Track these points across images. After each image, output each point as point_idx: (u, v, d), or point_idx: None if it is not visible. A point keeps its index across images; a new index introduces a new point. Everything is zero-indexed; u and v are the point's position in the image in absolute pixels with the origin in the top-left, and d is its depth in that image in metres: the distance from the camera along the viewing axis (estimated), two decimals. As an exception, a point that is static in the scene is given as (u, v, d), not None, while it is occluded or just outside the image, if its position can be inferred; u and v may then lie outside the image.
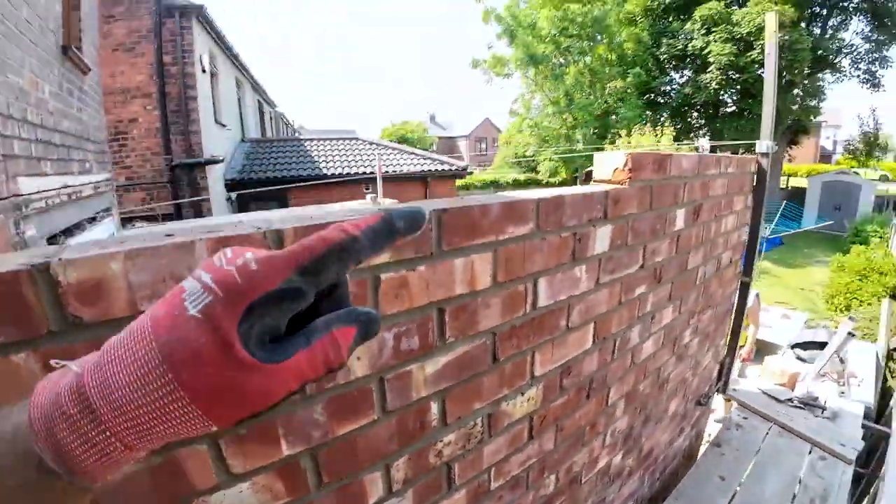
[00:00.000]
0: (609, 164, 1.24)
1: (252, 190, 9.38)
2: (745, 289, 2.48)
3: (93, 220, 4.03)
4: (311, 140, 11.89)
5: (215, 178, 8.90)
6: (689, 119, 20.23)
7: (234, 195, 9.71)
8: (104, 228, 4.32)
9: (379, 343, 0.77)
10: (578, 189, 1.08)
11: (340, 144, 11.58)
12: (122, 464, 0.26)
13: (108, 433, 0.25)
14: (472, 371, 0.93)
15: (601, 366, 1.35)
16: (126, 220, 6.71)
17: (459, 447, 0.99)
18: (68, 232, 3.36)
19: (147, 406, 0.24)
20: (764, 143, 2.38)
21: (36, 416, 0.25)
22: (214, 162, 8.46)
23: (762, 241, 12.46)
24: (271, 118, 19.01)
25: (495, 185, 23.09)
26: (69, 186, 3.36)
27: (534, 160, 20.69)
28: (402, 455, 0.88)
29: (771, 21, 2.74)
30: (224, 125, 9.90)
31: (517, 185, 22.44)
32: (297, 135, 25.53)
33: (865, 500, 3.29)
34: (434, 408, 0.90)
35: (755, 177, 2.31)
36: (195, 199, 8.02)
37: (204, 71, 8.51)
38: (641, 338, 1.52)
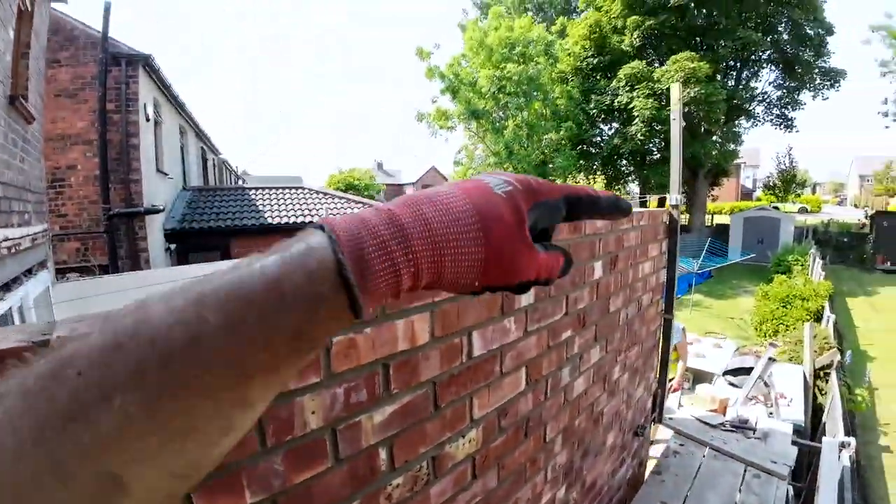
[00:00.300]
0: (531, 226, 1.44)
1: (192, 240, 9.17)
2: (668, 325, 2.76)
3: (28, 272, 3.85)
4: (256, 189, 11.82)
5: (155, 228, 8.64)
6: (619, 167, 22.01)
7: (173, 246, 9.41)
8: (40, 282, 4.12)
9: (331, 398, 0.88)
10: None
11: (286, 193, 11.60)
12: (396, 290, 0.30)
13: (410, 255, 0.30)
14: (415, 418, 1.05)
15: (536, 405, 1.50)
16: (60, 272, 6.35)
17: (407, 489, 1.09)
18: (6, 287, 3.20)
19: (451, 239, 0.31)
20: (673, 197, 2.73)
21: (344, 238, 0.28)
22: (155, 211, 8.25)
23: (693, 276, 13.46)
24: (214, 165, 18.77)
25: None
26: (9, 239, 3.24)
27: (479, 208, 21.59)
28: (354, 499, 0.97)
29: (675, 91, 3.19)
30: (166, 174, 9.72)
31: (464, 231, 23.43)
32: (240, 182, 25.19)
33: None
34: (382, 454, 1.01)
35: (668, 225, 2.64)
36: (134, 249, 7.72)
37: (148, 119, 8.44)
38: (572, 377, 1.70)
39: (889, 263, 20.01)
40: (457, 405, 1.16)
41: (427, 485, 1.15)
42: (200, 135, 14.46)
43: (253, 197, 11.24)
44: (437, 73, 19.23)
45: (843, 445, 3.93)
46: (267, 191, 11.59)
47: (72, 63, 7.54)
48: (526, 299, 1.34)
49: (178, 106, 10.82)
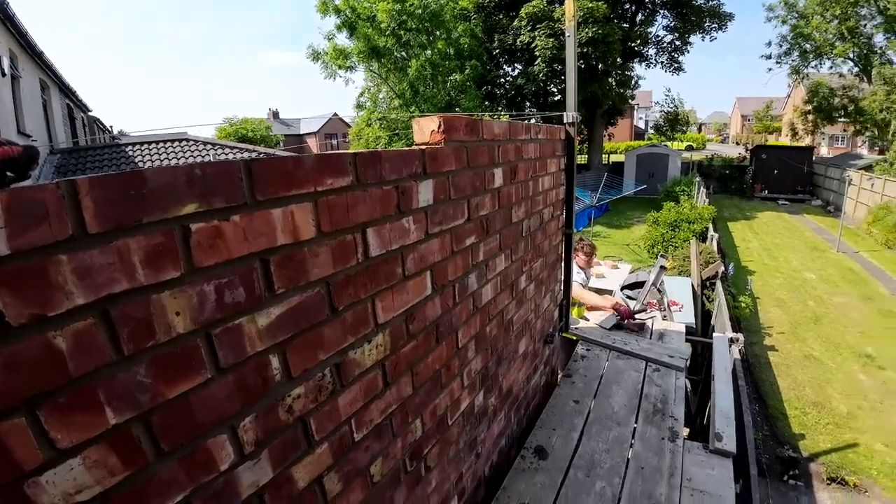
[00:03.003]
0: (427, 127, 1.37)
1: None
2: (568, 240, 2.90)
3: None
4: (135, 145, 10.47)
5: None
6: (523, 108, 22.51)
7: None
8: None
9: (198, 297, 0.77)
10: (395, 149, 1.18)
11: (170, 147, 10.40)
12: None
13: None
14: (309, 321, 0.98)
15: (445, 311, 1.49)
16: None
17: (311, 400, 1.03)
18: None
19: None
20: (570, 114, 2.79)
21: None
22: (17, 179, 7.04)
23: (592, 209, 14.45)
24: (84, 124, 16.28)
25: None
26: None
27: (385, 153, 21.09)
28: (247, 414, 0.89)
29: (570, 6, 3.18)
30: (28, 135, 8.32)
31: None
32: (116, 141, 22.21)
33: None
34: (275, 361, 0.93)
35: (565, 143, 2.71)
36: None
37: (3, 74, 7.09)
38: (480, 284, 1.72)
39: (766, 192, 23.14)
40: (357, 308, 1.10)
41: (333, 395, 1.10)
42: (65, 90, 12.33)
43: (132, 154, 9.92)
44: (332, 7, 17.77)
45: (732, 340, 4.51)
46: (148, 146, 10.27)
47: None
48: (425, 199, 1.29)
49: (37, 57, 9.11)
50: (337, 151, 0.99)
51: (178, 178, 0.72)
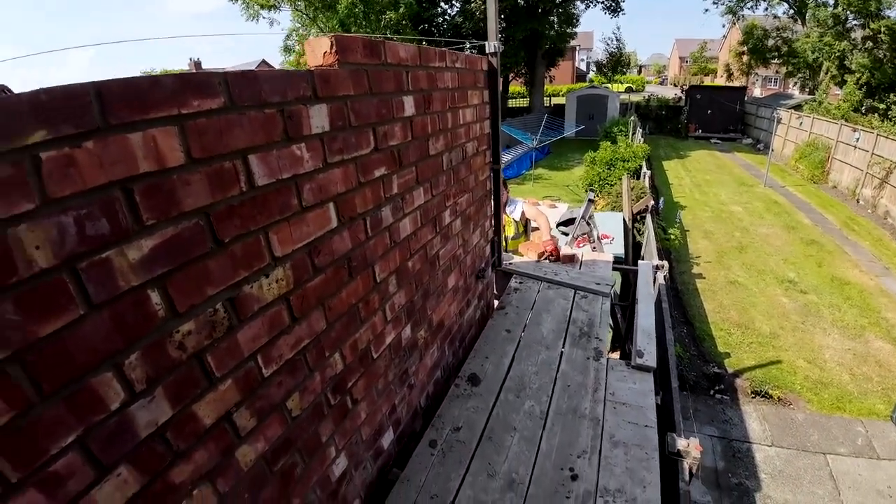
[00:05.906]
0: (319, 49, 1.28)
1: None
2: (496, 176, 2.92)
3: None
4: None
5: None
6: (462, 48, 21.72)
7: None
8: None
9: (58, 230, 0.71)
10: (276, 69, 1.10)
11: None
12: None
13: None
14: (190, 255, 0.93)
15: (356, 244, 1.47)
16: None
17: (205, 336, 1.00)
18: None
19: None
20: (491, 44, 2.70)
21: None
22: None
23: (534, 153, 14.59)
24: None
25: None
26: None
27: (319, 98, 19.89)
28: (132, 351, 0.86)
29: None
30: None
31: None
32: None
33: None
34: (155, 297, 0.88)
35: (487, 75, 2.65)
36: None
37: None
38: (396, 217, 1.70)
39: (700, 131, 24.00)
40: (247, 240, 1.05)
41: (231, 330, 1.07)
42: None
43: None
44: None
45: (657, 267, 4.80)
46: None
47: None
48: (319, 125, 1.22)
49: None
50: (202, 72, 0.91)
51: (22, 106, 0.65)
